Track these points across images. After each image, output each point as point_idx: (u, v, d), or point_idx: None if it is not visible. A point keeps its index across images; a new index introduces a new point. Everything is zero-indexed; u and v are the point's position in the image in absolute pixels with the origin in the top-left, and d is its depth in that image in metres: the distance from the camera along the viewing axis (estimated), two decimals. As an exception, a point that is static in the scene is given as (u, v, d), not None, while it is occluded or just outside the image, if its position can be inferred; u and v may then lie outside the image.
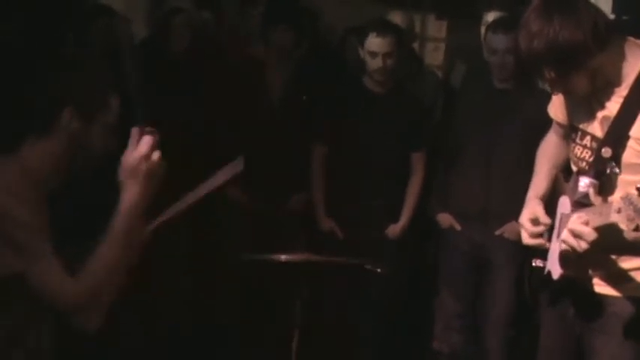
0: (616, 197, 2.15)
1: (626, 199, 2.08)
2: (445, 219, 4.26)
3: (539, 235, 2.55)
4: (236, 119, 4.22)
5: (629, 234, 2.17)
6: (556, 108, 2.70)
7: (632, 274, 2.47)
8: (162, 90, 4.08)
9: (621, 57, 2.38)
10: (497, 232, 4.08)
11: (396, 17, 4.63)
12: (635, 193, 2.06)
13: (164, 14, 4.37)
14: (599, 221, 2.23)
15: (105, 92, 2.21)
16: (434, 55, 5.36)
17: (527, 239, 2.58)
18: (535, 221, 2.56)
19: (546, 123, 2.89)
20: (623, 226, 2.11)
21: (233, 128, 4.20)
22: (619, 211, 2.10)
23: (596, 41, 2.26)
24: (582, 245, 2.29)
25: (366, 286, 4.08)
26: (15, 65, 2.41)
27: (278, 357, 2.83)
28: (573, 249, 2.32)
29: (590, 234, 2.26)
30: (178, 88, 4.12)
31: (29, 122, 2.15)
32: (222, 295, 4.31)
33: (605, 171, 2.39)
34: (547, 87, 3.90)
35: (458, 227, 4.22)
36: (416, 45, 5.22)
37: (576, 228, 2.28)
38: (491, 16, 4.27)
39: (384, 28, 4.10)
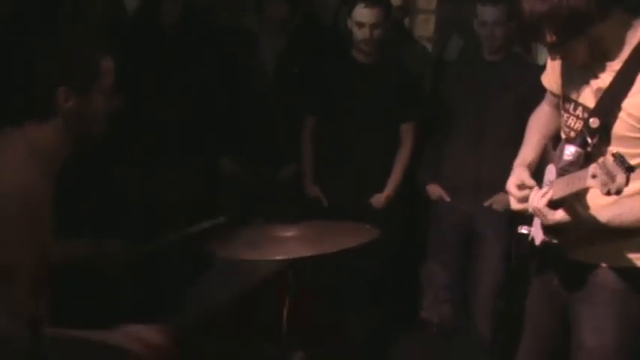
0: (592, 164, 2.19)
1: (602, 164, 2.12)
2: (434, 190, 4.29)
3: (527, 200, 2.58)
4: (228, 91, 4.23)
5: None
6: (550, 78, 2.72)
7: (616, 243, 2.50)
8: (153, 63, 4.07)
9: (622, 33, 2.40)
10: (486, 203, 4.11)
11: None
12: (611, 159, 2.10)
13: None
14: (576, 187, 2.27)
15: (97, 61, 2.13)
16: (424, 27, 5.35)
17: (514, 204, 2.62)
18: (521, 186, 2.59)
19: (536, 95, 2.91)
20: (598, 190, 2.15)
21: (225, 100, 4.22)
22: (594, 176, 2.14)
23: (600, 9, 2.28)
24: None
25: (355, 256, 4.11)
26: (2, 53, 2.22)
27: (269, 324, 2.85)
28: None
29: (549, 214, 2.38)
30: (169, 60, 4.12)
31: (25, 110, 2.09)
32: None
33: (591, 141, 2.42)
34: (538, 58, 3.89)
35: (447, 198, 4.25)
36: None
37: (540, 208, 2.41)
38: None
39: None
